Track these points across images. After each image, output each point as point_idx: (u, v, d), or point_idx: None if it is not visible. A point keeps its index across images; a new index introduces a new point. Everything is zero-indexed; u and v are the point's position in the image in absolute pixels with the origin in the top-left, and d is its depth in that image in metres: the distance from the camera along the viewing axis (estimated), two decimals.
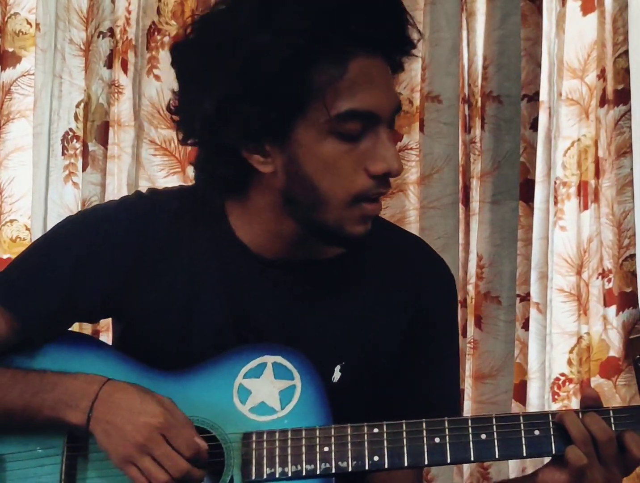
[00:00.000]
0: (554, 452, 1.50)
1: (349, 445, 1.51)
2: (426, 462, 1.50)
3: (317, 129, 1.47)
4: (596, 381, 2.57)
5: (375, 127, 1.49)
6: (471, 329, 2.73)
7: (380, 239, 1.64)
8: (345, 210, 1.50)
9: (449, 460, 1.50)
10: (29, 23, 3.10)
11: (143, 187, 2.91)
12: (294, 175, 1.50)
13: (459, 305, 2.72)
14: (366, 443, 1.51)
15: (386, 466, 1.51)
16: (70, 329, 1.67)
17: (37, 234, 3.02)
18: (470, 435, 1.50)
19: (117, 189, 2.96)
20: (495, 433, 1.50)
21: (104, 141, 2.99)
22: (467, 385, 2.72)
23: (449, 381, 1.68)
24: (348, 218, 1.51)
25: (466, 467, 2.72)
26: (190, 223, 1.61)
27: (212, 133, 1.51)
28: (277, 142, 1.49)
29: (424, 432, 1.50)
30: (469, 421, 1.51)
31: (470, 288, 2.73)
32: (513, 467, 2.67)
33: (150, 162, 2.92)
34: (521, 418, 1.51)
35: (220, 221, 1.60)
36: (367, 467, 1.51)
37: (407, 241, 1.71)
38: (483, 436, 1.50)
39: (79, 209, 2.99)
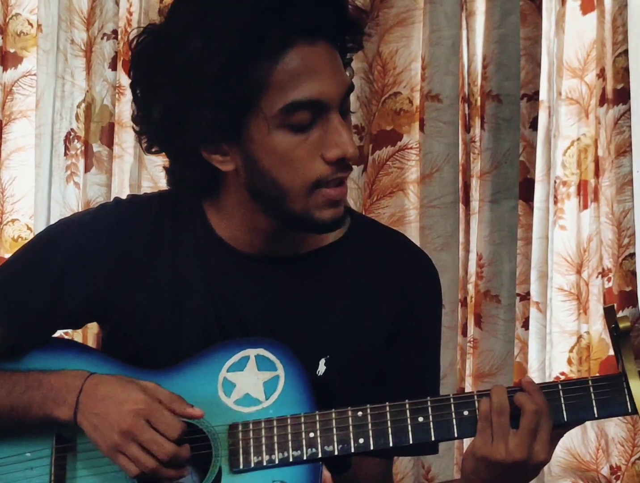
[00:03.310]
0: None
1: (334, 429, 1.53)
2: (411, 441, 1.52)
3: (267, 124, 1.47)
4: None
5: (325, 114, 1.49)
6: (471, 328, 2.73)
7: (361, 234, 1.66)
8: (307, 198, 1.51)
9: (433, 438, 1.52)
10: (30, 24, 3.11)
11: (146, 187, 2.94)
12: (253, 171, 1.51)
13: (459, 304, 2.74)
14: (351, 426, 1.53)
15: (372, 447, 1.53)
16: (57, 335, 1.69)
17: None
18: (453, 413, 1.52)
19: (119, 190, 2.97)
20: (477, 410, 1.51)
21: (109, 143, 3.00)
22: (467, 384, 2.72)
23: (430, 375, 1.69)
24: (313, 205, 1.51)
25: None
26: (171, 223, 1.63)
27: (168, 139, 1.53)
28: (232, 140, 1.50)
29: (407, 412, 1.52)
30: (451, 399, 1.53)
31: (470, 287, 2.73)
32: None
33: (153, 162, 2.92)
34: None
35: (200, 219, 1.62)
36: (352, 450, 1.53)
37: (390, 237, 1.72)
38: (465, 413, 1.52)
39: (80, 209, 2.99)
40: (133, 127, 1.58)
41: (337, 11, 1.49)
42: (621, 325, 1.51)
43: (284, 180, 1.50)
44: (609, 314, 1.53)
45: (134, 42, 1.54)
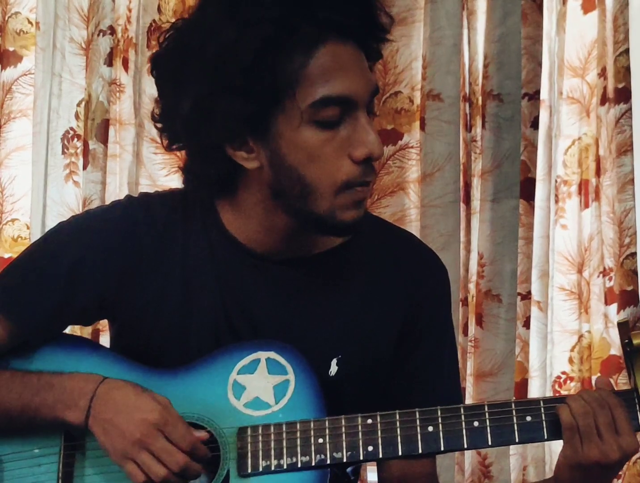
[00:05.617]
0: (546, 437, 1.52)
1: (344, 436, 1.53)
2: (420, 451, 1.52)
3: (296, 120, 1.47)
4: None
5: (353, 112, 1.49)
6: (472, 327, 2.73)
7: (371, 234, 1.65)
8: (334, 198, 1.51)
9: (442, 448, 1.52)
10: (30, 22, 3.10)
11: (144, 185, 2.93)
12: (279, 168, 1.51)
13: (460, 304, 2.73)
14: (360, 433, 1.53)
15: (380, 455, 1.53)
16: (66, 331, 1.68)
17: (36, 232, 3.02)
18: (463, 423, 1.52)
19: (117, 188, 2.96)
20: (487, 421, 1.51)
21: (104, 140, 2.99)
22: (468, 384, 2.72)
23: (449, 371, 1.68)
24: (338, 205, 1.51)
25: (467, 465, 2.72)
26: (183, 222, 1.62)
27: (194, 134, 1.52)
28: (259, 136, 1.50)
29: (417, 421, 1.52)
30: (462, 409, 1.52)
31: (471, 286, 2.73)
32: (514, 464, 2.68)
33: (151, 160, 2.93)
34: (513, 404, 1.53)
35: (212, 218, 1.62)
36: (361, 457, 1.53)
37: (399, 236, 1.72)
38: (476, 423, 1.52)
39: (80, 207, 2.99)
40: (155, 125, 1.58)
41: (366, 13, 1.50)
42: (635, 341, 1.50)
43: (312, 177, 1.50)
44: (623, 329, 1.52)
45: (161, 37, 1.54)
